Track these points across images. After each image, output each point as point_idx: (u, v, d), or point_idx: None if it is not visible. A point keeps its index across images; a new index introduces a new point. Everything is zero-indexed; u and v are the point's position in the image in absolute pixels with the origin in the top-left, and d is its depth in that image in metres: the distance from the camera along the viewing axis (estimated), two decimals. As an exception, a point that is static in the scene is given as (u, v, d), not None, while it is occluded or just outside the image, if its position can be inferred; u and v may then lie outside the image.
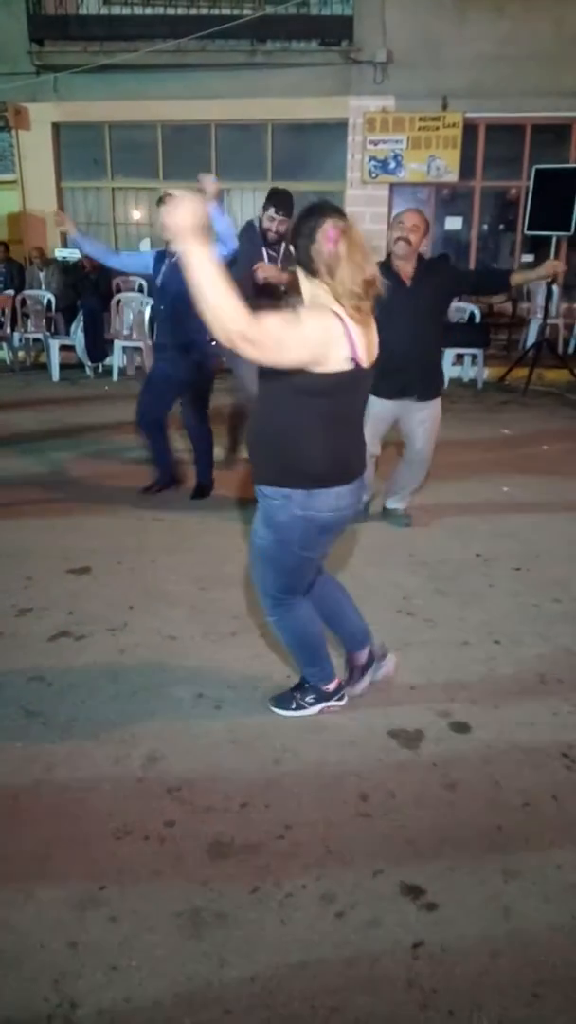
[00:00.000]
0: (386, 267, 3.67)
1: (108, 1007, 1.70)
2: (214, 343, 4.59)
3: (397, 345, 3.67)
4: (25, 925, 1.90)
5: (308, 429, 2.24)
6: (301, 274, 2.22)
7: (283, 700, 2.77)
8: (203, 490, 4.94)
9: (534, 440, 6.38)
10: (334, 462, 2.31)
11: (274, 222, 4.80)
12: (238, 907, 1.96)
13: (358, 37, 9.97)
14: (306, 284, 2.22)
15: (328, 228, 2.11)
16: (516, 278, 4.17)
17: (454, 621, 3.40)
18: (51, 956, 1.82)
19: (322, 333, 2.09)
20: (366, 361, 2.20)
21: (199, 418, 4.85)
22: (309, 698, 2.74)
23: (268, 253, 4.89)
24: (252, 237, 4.86)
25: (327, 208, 2.17)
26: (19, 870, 2.06)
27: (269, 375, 2.20)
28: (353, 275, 2.10)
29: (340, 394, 2.23)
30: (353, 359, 2.16)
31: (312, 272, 2.17)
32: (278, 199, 4.83)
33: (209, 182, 4.32)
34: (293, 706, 2.74)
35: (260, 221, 4.89)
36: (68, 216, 4.98)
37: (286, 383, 2.18)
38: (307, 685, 2.75)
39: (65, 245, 10.70)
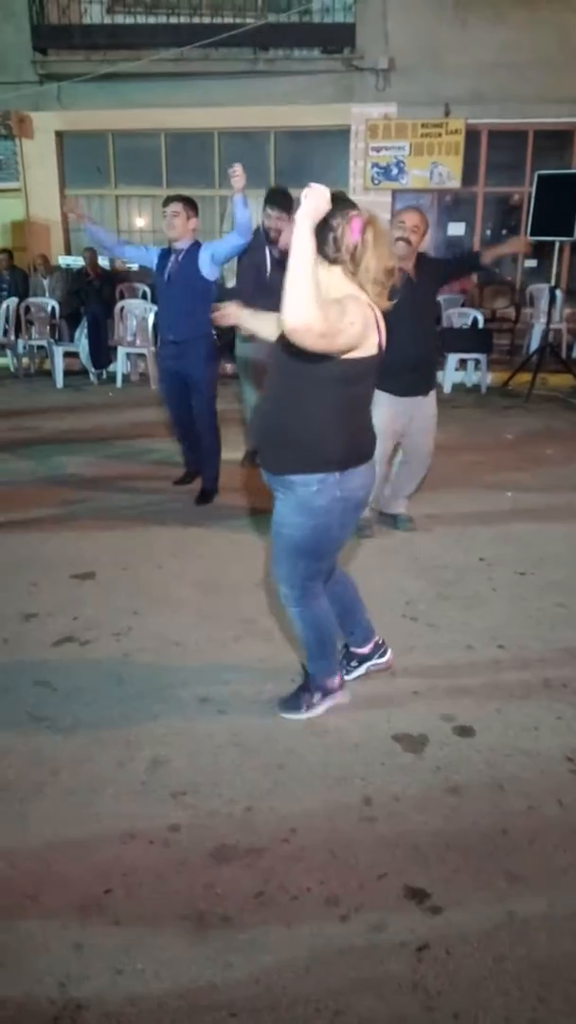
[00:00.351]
0: None
1: (113, 1010, 1.70)
2: (215, 335, 4.68)
3: (409, 343, 3.71)
4: (30, 928, 1.90)
5: (335, 414, 2.31)
6: (318, 262, 2.18)
7: (292, 704, 2.77)
8: (207, 496, 4.95)
9: (538, 445, 6.38)
10: (358, 443, 2.42)
11: (271, 219, 4.89)
12: (243, 910, 1.96)
13: (360, 44, 10.02)
14: (323, 272, 2.18)
15: (354, 218, 2.20)
16: (487, 255, 4.36)
17: (457, 625, 3.40)
18: (56, 959, 1.82)
19: (363, 319, 2.17)
20: (382, 346, 2.31)
21: (208, 418, 4.85)
22: (317, 696, 2.75)
23: (271, 253, 4.93)
24: (258, 242, 4.92)
25: (348, 200, 2.24)
26: (24, 873, 2.07)
27: (293, 368, 2.25)
28: (379, 263, 2.22)
29: (366, 378, 2.33)
30: (378, 344, 2.27)
31: (335, 260, 2.24)
32: (275, 197, 4.96)
33: (238, 172, 4.41)
34: (304, 708, 2.74)
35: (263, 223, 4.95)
36: (79, 204, 5.07)
37: (312, 373, 2.23)
38: (314, 683, 2.76)
39: (69, 252, 10.76)
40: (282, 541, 2.48)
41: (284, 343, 2.18)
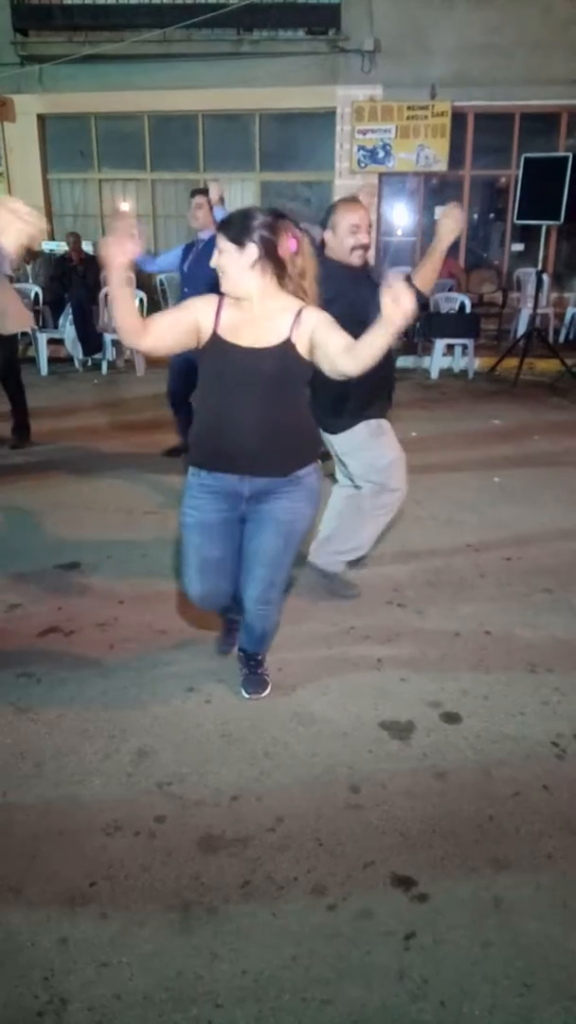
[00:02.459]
0: (364, 276, 3.11)
1: (98, 1004, 1.69)
2: None
3: (385, 360, 3.48)
4: (15, 922, 1.89)
5: (308, 409, 2.52)
6: (251, 267, 2.28)
7: (259, 683, 2.83)
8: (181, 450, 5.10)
9: (525, 430, 6.37)
10: None
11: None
12: (229, 901, 1.95)
13: (345, 26, 9.92)
14: (254, 278, 2.30)
15: (291, 232, 2.32)
16: (418, 280, 3.19)
17: (444, 612, 3.40)
18: (41, 953, 1.81)
19: None
20: None
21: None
22: (266, 666, 2.90)
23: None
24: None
25: (282, 213, 2.36)
26: (8, 867, 2.05)
27: (287, 378, 2.38)
28: (314, 274, 2.40)
29: None
30: None
31: (279, 272, 2.34)
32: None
33: (215, 189, 4.96)
34: (269, 683, 2.85)
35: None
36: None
37: (303, 378, 2.42)
38: (263, 659, 2.89)
39: (52, 237, 10.63)
40: (296, 537, 2.54)
41: (277, 352, 2.32)
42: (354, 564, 3.57)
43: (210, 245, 4.65)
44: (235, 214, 2.34)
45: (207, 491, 2.48)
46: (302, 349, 2.34)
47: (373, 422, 3.26)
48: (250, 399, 2.35)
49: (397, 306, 2.05)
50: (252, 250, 2.25)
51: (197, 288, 4.59)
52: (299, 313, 2.33)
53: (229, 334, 2.33)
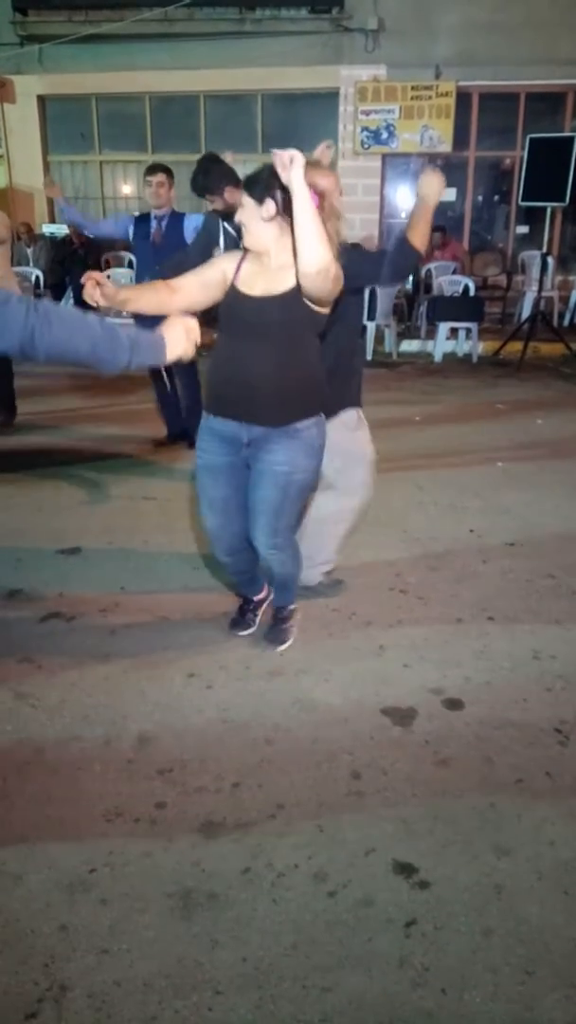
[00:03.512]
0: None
1: (98, 990, 1.69)
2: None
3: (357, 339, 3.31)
4: (15, 909, 1.88)
5: (320, 361, 2.58)
6: (269, 221, 2.39)
7: (277, 636, 2.98)
8: (183, 435, 5.13)
9: (529, 415, 6.33)
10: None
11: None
12: (229, 887, 1.95)
13: (348, 4, 9.78)
14: (271, 232, 2.40)
15: (312, 188, 2.29)
16: (413, 233, 2.86)
17: (447, 598, 3.38)
18: (41, 940, 1.81)
19: None
20: None
21: (190, 384, 4.98)
22: (291, 622, 3.03)
23: (226, 230, 4.82)
24: (211, 225, 4.84)
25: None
26: (8, 854, 2.04)
27: (292, 322, 2.43)
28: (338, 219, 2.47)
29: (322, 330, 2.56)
30: None
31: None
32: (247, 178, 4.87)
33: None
34: (290, 636, 2.99)
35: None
36: (57, 185, 5.29)
37: (310, 322, 2.46)
38: (288, 612, 3.03)
39: (53, 220, 10.57)
40: (295, 488, 2.62)
41: (284, 300, 2.40)
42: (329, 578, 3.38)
43: (176, 223, 4.75)
44: (257, 172, 2.40)
45: (214, 435, 2.63)
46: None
47: (358, 410, 3.09)
48: (258, 348, 2.46)
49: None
50: (270, 205, 2.35)
51: (166, 260, 4.63)
52: None
53: (244, 285, 2.47)
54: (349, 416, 3.04)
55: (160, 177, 4.82)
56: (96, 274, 2.33)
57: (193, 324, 1.96)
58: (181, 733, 2.52)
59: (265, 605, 3.12)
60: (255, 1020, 1.64)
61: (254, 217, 2.39)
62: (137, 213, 5.09)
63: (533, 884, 1.96)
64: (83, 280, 2.30)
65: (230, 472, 2.65)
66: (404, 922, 1.86)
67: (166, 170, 4.90)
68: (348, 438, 3.03)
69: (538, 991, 1.70)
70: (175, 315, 2.01)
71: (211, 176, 4.38)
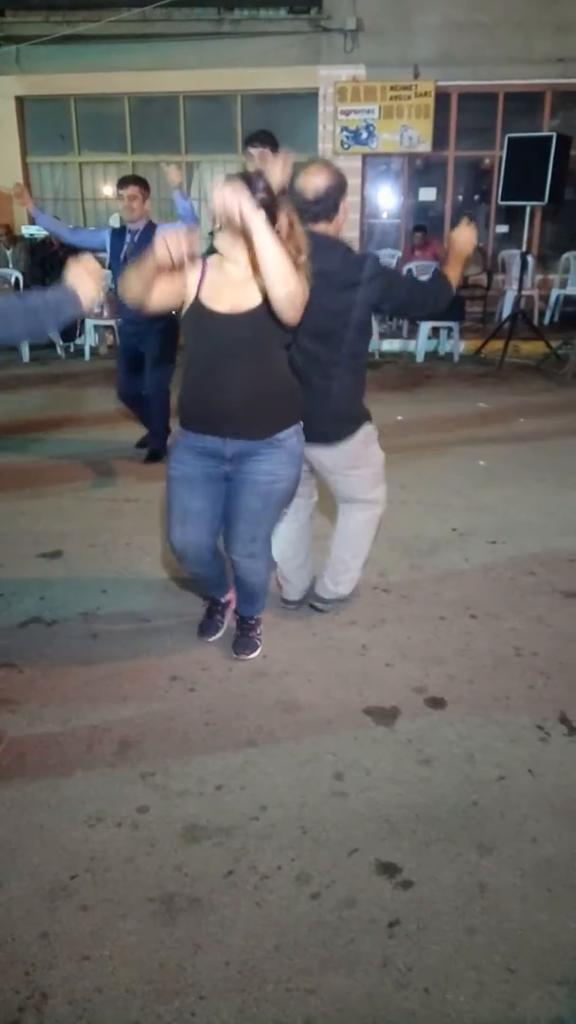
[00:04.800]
0: None
1: (80, 997, 1.68)
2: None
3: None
4: (-5, 917, 1.86)
5: (288, 370, 2.58)
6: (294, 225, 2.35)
7: (247, 645, 2.94)
8: (156, 455, 5.00)
9: (510, 413, 6.36)
10: None
11: (253, 158, 4.55)
12: (212, 891, 1.94)
13: (327, 4, 9.79)
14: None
15: (287, 211, 2.34)
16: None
17: (430, 596, 3.38)
18: (22, 947, 1.79)
19: None
20: None
21: (159, 393, 4.92)
22: (259, 629, 3.00)
23: None
24: None
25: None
26: (-11, 861, 2.03)
27: (265, 338, 2.41)
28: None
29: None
30: None
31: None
32: (255, 135, 4.66)
33: (173, 172, 4.74)
34: (259, 645, 2.97)
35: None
36: (27, 191, 5.13)
37: (280, 339, 2.45)
38: (256, 621, 3.00)
39: (33, 222, 10.49)
40: (276, 497, 2.63)
41: (253, 316, 2.36)
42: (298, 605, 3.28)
43: (147, 236, 4.57)
44: (241, 176, 2.32)
45: (191, 449, 2.60)
46: None
47: (372, 423, 3.00)
48: (232, 365, 2.43)
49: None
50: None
51: None
52: None
53: (209, 299, 2.40)
54: (369, 429, 2.95)
55: (132, 190, 4.59)
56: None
57: (93, 264, 2.01)
58: (163, 736, 2.50)
59: (231, 608, 3.10)
60: (238, 1024, 1.63)
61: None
62: (116, 225, 4.90)
63: (516, 882, 1.97)
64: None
65: (207, 484, 2.62)
66: (387, 922, 1.85)
67: (139, 182, 4.69)
68: (372, 451, 2.99)
69: (521, 989, 1.70)
70: (76, 263, 2.02)
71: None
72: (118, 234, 4.76)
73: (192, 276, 2.41)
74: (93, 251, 5.63)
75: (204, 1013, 1.65)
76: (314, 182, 2.63)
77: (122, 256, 4.66)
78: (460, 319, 8.43)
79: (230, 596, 3.08)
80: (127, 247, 4.66)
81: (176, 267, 2.22)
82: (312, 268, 2.42)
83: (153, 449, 5.08)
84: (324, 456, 2.89)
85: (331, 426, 2.82)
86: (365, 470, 2.97)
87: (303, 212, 2.57)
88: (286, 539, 3.09)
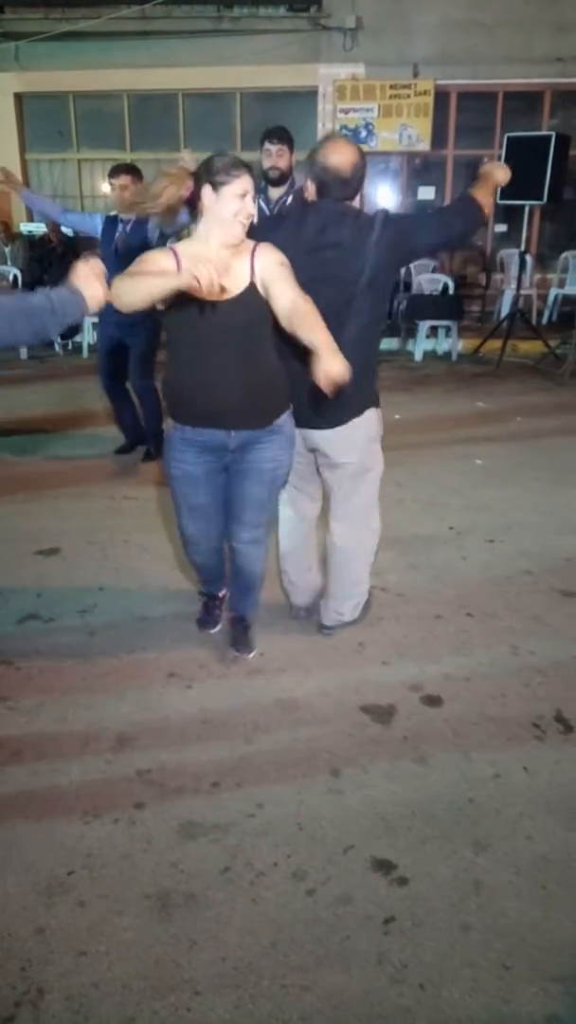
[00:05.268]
0: None
1: (76, 993, 1.68)
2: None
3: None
4: (-8, 913, 1.87)
5: (276, 354, 2.52)
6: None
7: (246, 643, 2.94)
8: (150, 455, 5.00)
9: (508, 412, 6.36)
10: None
11: (271, 155, 4.56)
12: (208, 888, 1.94)
13: (326, 3, 9.76)
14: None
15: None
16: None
17: (427, 595, 3.39)
18: (18, 943, 1.79)
19: None
20: None
21: (145, 388, 4.88)
22: (254, 627, 3.00)
23: (263, 205, 4.68)
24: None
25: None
26: (-14, 857, 2.03)
27: (259, 331, 2.42)
28: None
29: None
30: None
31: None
32: (273, 132, 4.62)
33: (188, 157, 4.41)
34: (256, 646, 2.97)
35: (262, 167, 4.64)
36: (13, 174, 4.95)
37: (269, 330, 2.42)
38: (253, 620, 2.99)
39: (31, 219, 10.49)
40: (279, 482, 2.68)
41: (242, 301, 2.34)
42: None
43: (140, 226, 4.52)
44: (241, 161, 2.32)
45: (191, 445, 2.58)
46: (263, 291, 2.36)
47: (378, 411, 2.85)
48: (227, 354, 2.40)
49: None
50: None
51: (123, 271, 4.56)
52: (253, 254, 2.36)
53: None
54: (375, 417, 2.82)
55: (123, 179, 4.52)
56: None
57: (100, 267, 1.98)
58: (160, 733, 2.51)
59: (225, 602, 3.11)
60: (234, 1020, 1.63)
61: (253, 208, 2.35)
62: (113, 212, 4.81)
63: (511, 879, 1.97)
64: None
65: (209, 479, 2.64)
66: (383, 919, 1.86)
67: (131, 171, 4.60)
68: (375, 450, 2.87)
69: (516, 985, 1.71)
70: (83, 264, 1.98)
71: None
72: (111, 222, 4.68)
73: (167, 264, 2.32)
74: (85, 234, 5.49)
75: (200, 1009, 1.65)
76: (349, 159, 2.55)
77: (113, 246, 4.62)
78: (459, 318, 8.43)
79: (225, 590, 3.10)
80: (119, 236, 4.61)
81: (208, 294, 2.13)
82: (327, 239, 2.47)
83: (149, 449, 5.06)
84: (325, 441, 2.74)
85: (341, 405, 2.56)
86: (366, 474, 2.84)
87: (339, 190, 2.55)
88: (295, 543, 3.05)
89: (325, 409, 2.57)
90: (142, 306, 2.23)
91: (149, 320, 4.53)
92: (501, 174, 2.79)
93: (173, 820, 2.15)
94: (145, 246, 4.42)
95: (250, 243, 2.39)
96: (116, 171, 4.62)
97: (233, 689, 2.73)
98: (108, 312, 4.83)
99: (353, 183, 2.60)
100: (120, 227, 4.65)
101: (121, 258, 4.50)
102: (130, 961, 1.75)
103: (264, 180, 4.59)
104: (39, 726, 2.54)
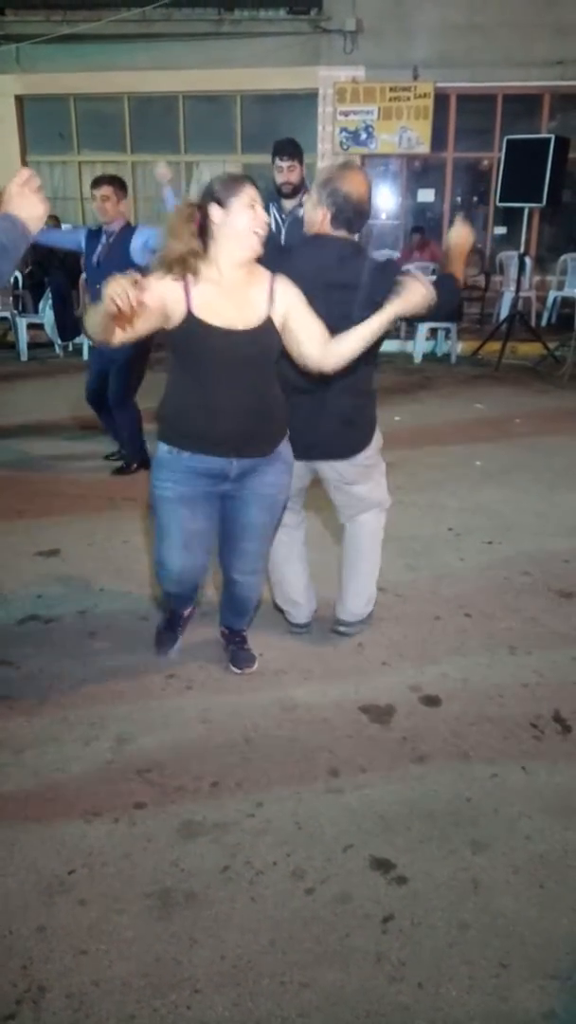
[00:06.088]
0: None
1: (77, 991, 1.69)
2: None
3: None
4: (-7, 911, 1.88)
5: (277, 382, 2.49)
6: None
7: (248, 658, 2.88)
8: (122, 469, 4.90)
9: (507, 414, 6.38)
10: None
11: (283, 171, 4.56)
12: (208, 886, 1.95)
13: (327, 5, 9.81)
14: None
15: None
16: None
17: (425, 596, 3.40)
18: (19, 941, 1.80)
19: None
20: None
21: (120, 401, 4.74)
22: (249, 642, 2.95)
23: (276, 216, 4.66)
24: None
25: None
26: (-13, 856, 2.04)
27: (267, 360, 2.39)
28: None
29: None
30: None
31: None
32: (283, 146, 4.61)
33: (163, 168, 4.69)
34: (256, 659, 2.91)
35: (274, 181, 4.69)
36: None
37: (277, 353, 2.40)
38: (245, 634, 2.94)
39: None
40: (280, 507, 2.63)
41: (258, 334, 2.30)
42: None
43: (123, 239, 4.45)
44: (241, 174, 2.32)
45: (188, 471, 2.43)
46: (278, 325, 2.34)
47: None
48: (235, 384, 2.32)
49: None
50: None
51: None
52: (272, 286, 2.32)
53: (205, 313, 2.24)
54: (379, 435, 2.89)
55: (105, 190, 4.41)
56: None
57: (24, 173, 1.79)
58: (160, 733, 2.52)
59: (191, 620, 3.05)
60: (233, 1017, 1.65)
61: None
62: (94, 225, 4.69)
63: (509, 878, 1.98)
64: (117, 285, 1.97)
65: (207, 503, 2.50)
66: (381, 918, 1.87)
67: (113, 181, 4.50)
68: (380, 461, 2.94)
69: (513, 983, 1.72)
70: (10, 184, 1.78)
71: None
72: (93, 235, 4.59)
73: (174, 291, 2.23)
74: (67, 250, 5.41)
75: (199, 1007, 1.67)
76: (367, 189, 2.54)
77: (95, 259, 4.51)
78: (458, 320, 8.45)
79: (192, 607, 3.02)
80: (101, 248, 4.52)
81: (127, 317, 2.06)
82: (340, 278, 2.44)
83: (123, 466, 4.93)
84: (343, 468, 2.79)
85: (354, 436, 2.74)
86: (378, 477, 2.92)
87: (358, 222, 2.53)
88: (290, 563, 3.00)
89: (344, 441, 2.71)
90: (106, 338, 2.19)
91: (132, 350, 4.47)
92: (464, 240, 2.81)
93: (173, 819, 2.16)
94: (126, 258, 4.33)
95: (265, 272, 2.34)
96: (98, 182, 4.53)
97: (232, 689, 2.75)
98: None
99: (367, 215, 2.61)
100: (103, 239, 4.53)
101: (103, 271, 4.40)
102: (130, 959, 1.76)
103: (277, 194, 4.65)
104: (39, 726, 2.55)
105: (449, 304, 2.77)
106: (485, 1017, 1.65)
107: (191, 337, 2.28)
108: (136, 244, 4.43)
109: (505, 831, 2.13)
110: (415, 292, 2.24)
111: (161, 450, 2.47)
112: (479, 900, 1.92)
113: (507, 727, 2.55)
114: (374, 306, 2.35)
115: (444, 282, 2.70)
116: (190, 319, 2.25)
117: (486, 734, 2.52)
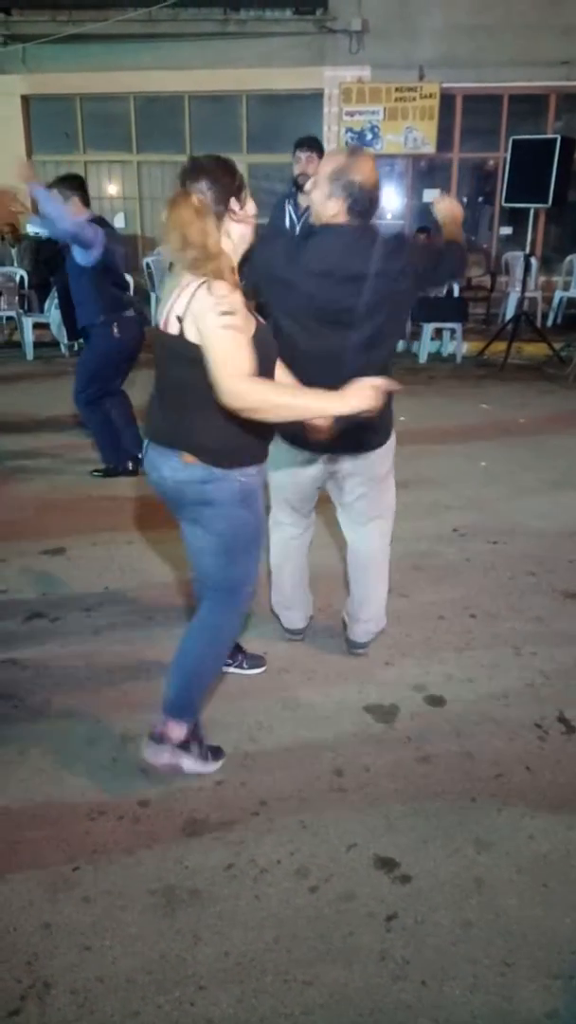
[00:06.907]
0: None
1: (81, 987, 1.70)
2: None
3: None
4: (-2, 907, 1.89)
5: None
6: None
7: (258, 659, 2.86)
8: (104, 471, 4.87)
9: (512, 414, 6.37)
10: None
11: (301, 162, 4.56)
12: (212, 884, 1.96)
13: (332, 5, 9.80)
14: None
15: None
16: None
17: (429, 596, 3.40)
18: (24, 938, 1.81)
19: None
20: None
21: (79, 402, 4.77)
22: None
23: (291, 212, 4.66)
24: (279, 213, 4.79)
25: None
26: (-8, 853, 2.05)
27: None
28: None
29: None
30: None
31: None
32: (304, 140, 4.68)
33: (24, 167, 4.95)
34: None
35: (293, 174, 4.72)
36: (32, 167, 4.92)
37: None
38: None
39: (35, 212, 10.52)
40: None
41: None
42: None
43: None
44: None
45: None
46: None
47: None
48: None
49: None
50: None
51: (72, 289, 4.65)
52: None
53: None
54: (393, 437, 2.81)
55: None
56: None
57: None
58: (165, 732, 2.52)
59: None
60: (237, 1014, 1.65)
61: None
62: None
63: (512, 877, 1.99)
64: None
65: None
66: (385, 916, 1.88)
67: (67, 183, 4.47)
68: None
69: (517, 982, 1.72)
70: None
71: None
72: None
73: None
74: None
75: (203, 1003, 1.67)
76: (376, 175, 2.48)
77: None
78: (463, 320, 8.44)
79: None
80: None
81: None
82: (352, 270, 2.37)
83: (110, 465, 4.87)
84: (366, 464, 2.71)
85: (379, 426, 2.63)
86: (391, 479, 2.85)
87: (366, 207, 2.46)
88: (295, 562, 2.97)
89: (371, 432, 2.62)
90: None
91: (93, 337, 4.61)
92: (450, 209, 2.84)
93: (177, 817, 2.17)
94: (73, 264, 4.41)
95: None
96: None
97: (236, 688, 2.75)
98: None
99: (379, 201, 2.58)
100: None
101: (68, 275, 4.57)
102: (135, 956, 1.77)
103: (294, 186, 4.66)
104: (44, 724, 2.56)
105: (462, 264, 2.80)
106: (488, 1016, 1.65)
107: (265, 343, 2.05)
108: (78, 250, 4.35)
109: (509, 831, 2.13)
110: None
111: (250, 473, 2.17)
112: (483, 899, 1.92)
113: (511, 727, 2.55)
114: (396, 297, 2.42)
115: (450, 250, 2.72)
116: (261, 327, 2.05)
117: (490, 734, 2.52)
